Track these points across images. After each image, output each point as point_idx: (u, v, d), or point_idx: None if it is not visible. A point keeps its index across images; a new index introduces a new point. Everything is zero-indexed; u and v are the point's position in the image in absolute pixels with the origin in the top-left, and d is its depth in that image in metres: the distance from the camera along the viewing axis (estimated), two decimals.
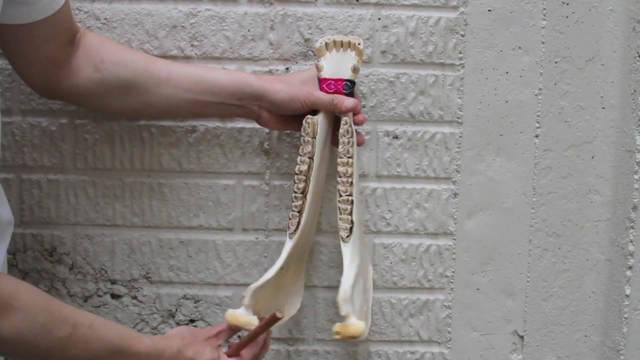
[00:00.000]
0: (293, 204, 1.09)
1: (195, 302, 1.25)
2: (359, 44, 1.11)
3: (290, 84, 1.12)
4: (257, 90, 1.10)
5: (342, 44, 1.11)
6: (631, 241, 1.19)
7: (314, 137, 1.09)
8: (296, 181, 1.09)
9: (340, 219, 1.09)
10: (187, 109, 1.13)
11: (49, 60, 1.06)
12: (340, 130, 1.10)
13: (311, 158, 1.09)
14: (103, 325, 0.96)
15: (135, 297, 1.25)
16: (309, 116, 1.09)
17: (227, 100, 1.10)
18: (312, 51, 1.19)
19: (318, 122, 1.10)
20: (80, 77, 1.08)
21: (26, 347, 0.87)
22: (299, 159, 1.09)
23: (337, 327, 1.06)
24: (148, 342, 1.00)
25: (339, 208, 1.09)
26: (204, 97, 1.10)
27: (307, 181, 1.10)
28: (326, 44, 1.11)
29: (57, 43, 1.05)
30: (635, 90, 1.18)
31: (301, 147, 1.09)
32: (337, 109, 1.10)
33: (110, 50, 1.10)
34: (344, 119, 1.10)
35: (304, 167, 1.09)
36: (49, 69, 1.07)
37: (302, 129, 1.09)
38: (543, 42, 1.20)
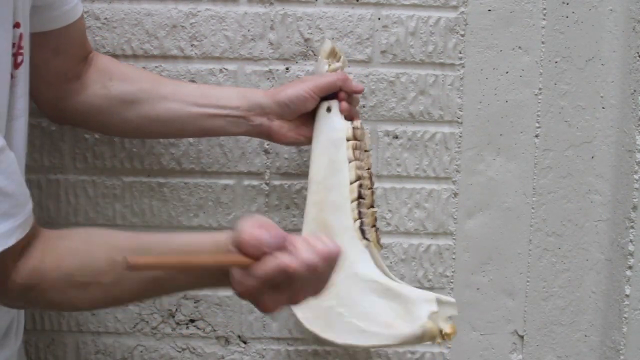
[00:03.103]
0: (365, 220, 1.05)
1: (195, 302, 1.25)
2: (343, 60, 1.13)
3: (292, 82, 1.13)
4: (262, 97, 1.09)
5: (335, 55, 1.12)
6: (631, 241, 1.19)
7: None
8: (364, 197, 1.05)
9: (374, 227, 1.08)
10: (192, 124, 1.10)
11: (58, 75, 1.06)
12: (353, 133, 1.07)
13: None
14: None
15: None
16: (360, 123, 1.07)
17: (233, 112, 1.09)
18: (312, 51, 1.19)
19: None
20: (88, 93, 1.09)
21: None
22: (360, 172, 1.06)
23: (450, 328, 1.03)
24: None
25: (364, 213, 1.06)
26: (209, 110, 1.09)
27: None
28: (331, 48, 1.12)
29: (67, 58, 1.05)
30: (635, 90, 1.18)
31: (359, 160, 1.07)
32: (346, 84, 1.08)
33: (119, 69, 1.12)
34: (356, 122, 1.08)
35: (367, 182, 1.07)
36: (58, 85, 1.07)
37: (354, 138, 1.07)
38: (543, 42, 1.20)
